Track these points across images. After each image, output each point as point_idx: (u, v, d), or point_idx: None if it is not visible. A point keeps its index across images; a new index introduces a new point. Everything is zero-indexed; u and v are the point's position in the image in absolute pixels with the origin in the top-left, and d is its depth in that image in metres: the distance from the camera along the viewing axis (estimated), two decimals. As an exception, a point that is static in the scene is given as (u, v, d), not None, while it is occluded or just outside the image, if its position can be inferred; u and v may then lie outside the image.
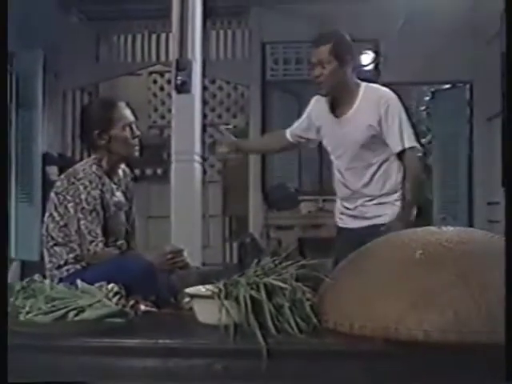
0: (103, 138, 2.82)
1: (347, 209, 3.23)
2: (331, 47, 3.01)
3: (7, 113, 1.94)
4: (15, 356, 1.73)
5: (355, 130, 3.06)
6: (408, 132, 3.05)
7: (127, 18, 8.06)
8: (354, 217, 3.20)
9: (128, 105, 2.95)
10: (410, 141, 3.04)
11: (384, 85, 5.82)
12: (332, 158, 3.27)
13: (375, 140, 3.06)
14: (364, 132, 3.05)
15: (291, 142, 3.43)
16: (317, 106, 3.27)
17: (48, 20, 7.40)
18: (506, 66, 1.74)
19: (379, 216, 3.09)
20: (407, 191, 3.06)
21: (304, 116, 3.36)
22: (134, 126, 2.89)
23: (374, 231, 2.82)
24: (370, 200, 3.13)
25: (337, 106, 3.15)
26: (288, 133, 3.44)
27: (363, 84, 3.14)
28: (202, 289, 1.94)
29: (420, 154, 3.21)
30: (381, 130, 3.03)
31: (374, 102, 3.05)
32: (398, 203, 3.09)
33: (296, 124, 3.41)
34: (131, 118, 2.90)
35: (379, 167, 3.11)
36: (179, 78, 5.44)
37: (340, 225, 3.31)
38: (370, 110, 3.04)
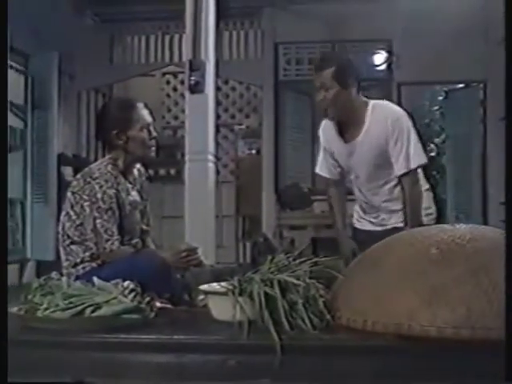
0: (121, 139, 2.84)
1: (368, 216, 3.24)
2: (333, 71, 2.95)
3: (7, 113, 1.96)
4: (32, 351, 1.77)
5: (367, 153, 3.04)
6: (415, 151, 3.01)
7: (141, 19, 8.12)
8: (374, 223, 3.20)
9: (146, 106, 2.97)
10: (414, 162, 3.01)
11: (398, 84, 5.79)
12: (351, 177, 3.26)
13: (388, 158, 3.04)
14: (376, 154, 3.03)
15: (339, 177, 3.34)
16: (325, 132, 3.23)
17: (63, 23, 7.46)
18: (506, 66, 1.75)
19: (400, 222, 3.10)
20: (408, 217, 3.04)
21: (321, 151, 3.32)
22: (151, 128, 2.91)
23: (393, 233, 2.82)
24: (392, 212, 3.13)
25: (345, 131, 3.11)
26: (330, 176, 3.33)
27: (371, 103, 3.08)
28: (216, 286, 1.96)
29: (418, 177, 3.13)
30: (388, 150, 3.02)
31: (382, 122, 3.01)
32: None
33: (323, 163, 3.33)
34: (149, 119, 2.91)
35: (398, 183, 3.09)
36: (193, 78, 5.46)
37: (357, 226, 3.31)
38: (379, 130, 3.01)
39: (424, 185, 3.17)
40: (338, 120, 3.09)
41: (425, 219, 3.08)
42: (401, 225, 3.06)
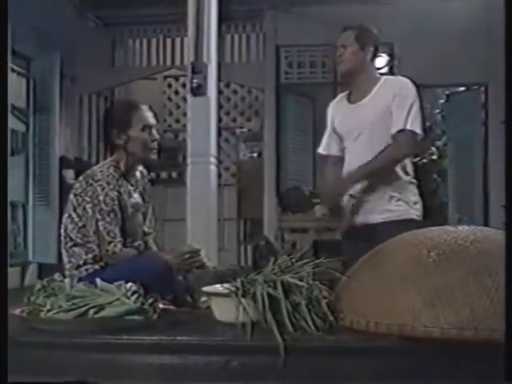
0: (121, 138, 2.85)
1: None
2: (356, 32, 3.17)
3: (7, 113, 1.98)
4: (35, 352, 1.77)
5: (371, 114, 3.09)
6: (415, 119, 3.05)
7: (142, 22, 8.14)
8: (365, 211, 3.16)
9: (151, 108, 2.97)
10: (411, 124, 3.03)
11: None
12: (346, 144, 3.25)
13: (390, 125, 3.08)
14: (379, 115, 3.08)
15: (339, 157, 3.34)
16: (334, 105, 3.36)
17: (65, 26, 7.49)
18: (506, 69, 1.75)
19: (390, 211, 3.07)
20: (371, 161, 3.02)
21: (327, 130, 3.38)
22: (153, 130, 2.90)
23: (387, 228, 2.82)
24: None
25: (353, 92, 3.23)
26: (335, 154, 3.34)
27: (383, 77, 3.26)
28: (219, 287, 1.96)
29: (408, 142, 3.12)
30: (391, 110, 3.07)
31: (392, 87, 3.12)
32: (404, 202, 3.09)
33: (326, 142, 3.37)
34: (151, 120, 2.91)
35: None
36: (195, 80, 5.48)
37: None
38: (387, 93, 3.10)
39: (410, 173, 3.17)
40: (349, 79, 3.23)
41: (412, 211, 3.09)
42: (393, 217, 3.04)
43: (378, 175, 3.07)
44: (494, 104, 7.00)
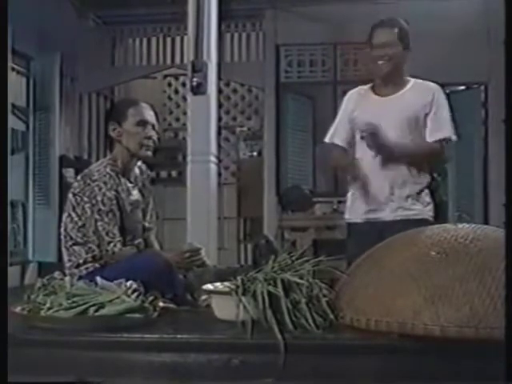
0: (116, 131, 2.85)
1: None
2: (398, 30, 3.09)
3: (7, 113, 1.99)
4: (35, 350, 1.77)
5: (400, 112, 3.06)
6: (449, 124, 3.08)
7: (142, 21, 8.14)
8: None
9: (152, 107, 2.97)
10: (451, 132, 3.07)
11: None
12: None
13: (419, 127, 3.07)
14: (408, 116, 3.06)
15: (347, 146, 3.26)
16: (352, 97, 3.25)
17: (65, 25, 7.49)
18: (505, 68, 1.75)
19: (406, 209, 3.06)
20: (413, 146, 3.07)
21: (338, 118, 3.27)
22: (149, 126, 2.89)
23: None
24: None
25: (384, 87, 3.15)
26: (342, 144, 3.23)
27: (413, 79, 3.19)
28: (219, 285, 1.97)
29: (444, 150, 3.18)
30: (425, 115, 3.06)
31: (424, 90, 3.10)
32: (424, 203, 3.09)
33: (335, 131, 3.25)
34: (149, 117, 2.90)
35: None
36: (195, 79, 5.47)
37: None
38: (419, 96, 3.07)
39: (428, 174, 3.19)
40: (384, 78, 3.14)
41: (426, 211, 3.08)
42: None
43: (412, 163, 3.08)
44: (494, 103, 7.00)
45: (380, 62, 3.08)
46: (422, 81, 3.18)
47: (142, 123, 2.86)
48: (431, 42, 6.74)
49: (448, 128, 3.07)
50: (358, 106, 3.19)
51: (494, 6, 6.24)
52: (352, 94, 3.28)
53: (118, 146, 2.87)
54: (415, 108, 3.06)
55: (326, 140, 3.29)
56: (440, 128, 3.05)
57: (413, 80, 3.17)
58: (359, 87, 3.28)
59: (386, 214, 3.06)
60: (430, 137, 3.07)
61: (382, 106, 3.10)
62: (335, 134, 3.23)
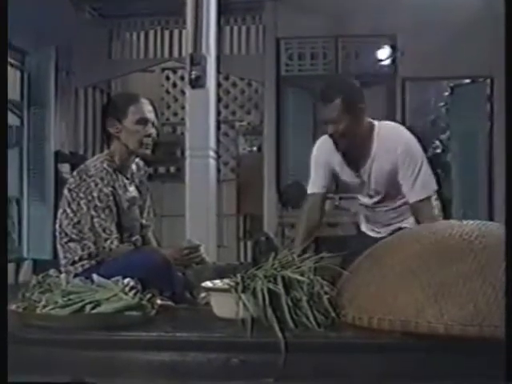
0: (115, 127, 2.84)
1: (372, 226, 3.22)
2: (340, 104, 2.80)
3: (6, 112, 2.00)
4: (30, 349, 1.77)
5: (375, 180, 2.98)
6: (424, 180, 2.91)
7: (140, 14, 8.11)
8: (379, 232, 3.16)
9: (152, 103, 2.95)
10: (424, 191, 2.90)
11: (402, 80, 5.69)
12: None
13: (398, 183, 2.96)
14: (384, 182, 2.97)
15: (325, 194, 3.18)
16: (323, 151, 3.09)
17: (60, 17, 7.46)
18: (505, 67, 1.75)
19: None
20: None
21: (315, 164, 3.14)
22: (149, 124, 2.87)
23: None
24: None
25: (353, 159, 3.02)
26: (318, 191, 3.14)
27: (377, 125, 2.97)
28: (218, 282, 1.97)
29: (435, 202, 3.02)
30: (398, 177, 2.93)
31: (390, 150, 2.90)
32: None
33: (314, 176, 3.15)
34: (149, 115, 2.88)
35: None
36: (193, 72, 5.47)
37: (363, 230, 3.30)
38: (387, 159, 2.91)
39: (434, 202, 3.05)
40: (347, 149, 2.98)
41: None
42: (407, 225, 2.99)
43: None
44: (500, 97, 6.97)
45: (334, 140, 2.92)
46: (387, 132, 2.96)
47: (143, 121, 2.85)
48: (435, 32, 6.73)
49: (422, 185, 2.90)
50: (335, 165, 3.08)
51: (499, -2, 6.24)
52: (321, 149, 3.10)
53: (116, 142, 2.87)
54: (384, 174, 2.94)
55: (310, 191, 3.17)
56: (414, 188, 2.89)
57: (377, 129, 2.94)
58: (322, 140, 3.09)
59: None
60: (410, 199, 2.92)
61: (355, 180, 3.04)
62: (315, 184, 3.14)
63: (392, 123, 3.16)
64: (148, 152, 2.90)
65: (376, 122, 2.99)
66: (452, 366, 1.67)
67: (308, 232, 3.10)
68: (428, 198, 2.93)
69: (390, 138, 2.94)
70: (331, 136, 2.91)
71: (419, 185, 2.89)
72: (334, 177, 3.14)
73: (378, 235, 3.10)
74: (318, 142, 3.14)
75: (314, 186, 3.14)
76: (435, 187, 2.99)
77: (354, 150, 2.96)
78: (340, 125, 2.83)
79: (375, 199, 3.09)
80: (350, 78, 3.00)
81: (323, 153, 3.09)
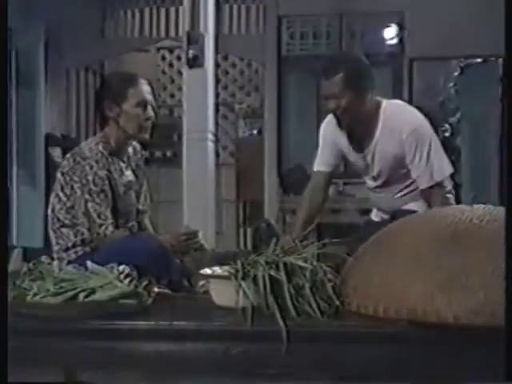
0: (113, 110, 2.83)
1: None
2: (343, 78, 2.81)
3: (6, 112, 2.01)
4: (21, 339, 1.77)
5: (380, 161, 2.97)
6: (435, 164, 2.89)
7: (135, -9, 8.08)
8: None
9: (150, 84, 2.94)
10: (436, 175, 2.89)
11: (410, 60, 5.64)
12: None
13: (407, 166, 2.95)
14: (389, 164, 2.96)
15: (330, 173, 3.20)
16: (330, 131, 3.11)
17: (50, -7, 7.42)
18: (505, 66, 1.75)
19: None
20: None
21: (322, 144, 3.17)
22: (149, 107, 2.87)
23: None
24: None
25: (356, 139, 3.01)
26: (323, 169, 3.17)
27: (383, 103, 2.95)
28: (218, 270, 1.97)
29: (448, 189, 3.03)
30: (405, 162, 2.92)
31: (395, 133, 2.88)
32: None
33: (320, 154, 3.17)
34: (149, 97, 2.87)
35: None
36: (191, 51, 5.46)
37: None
38: (392, 142, 2.90)
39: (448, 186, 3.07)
40: (350, 128, 2.99)
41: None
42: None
43: None
44: (512, 78, 6.95)
45: (335, 116, 2.91)
46: (394, 110, 2.95)
47: (143, 104, 2.84)
48: (444, 12, 6.70)
49: (434, 169, 2.89)
50: (344, 148, 3.09)
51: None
52: (327, 128, 3.12)
53: (112, 124, 2.85)
54: (390, 157, 2.93)
55: (315, 169, 3.19)
56: (425, 172, 2.88)
57: (383, 109, 2.93)
58: (329, 118, 3.08)
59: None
60: (421, 185, 2.92)
61: (362, 161, 3.03)
62: (322, 162, 3.16)
63: (399, 102, 3.17)
64: (147, 137, 2.90)
65: (384, 101, 2.98)
66: (461, 355, 1.67)
67: (309, 214, 3.12)
68: (439, 184, 2.92)
69: (395, 118, 2.92)
70: (333, 112, 2.91)
71: (429, 170, 2.88)
72: (342, 157, 3.15)
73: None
74: (326, 120, 3.15)
75: (320, 163, 3.17)
76: (449, 171, 2.98)
77: (358, 128, 2.96)
78: (342, 100, 2.83)
79: (378, 182, 3.08)
80: (357, 53, 2.94)
81: (330, 131, 3.10)
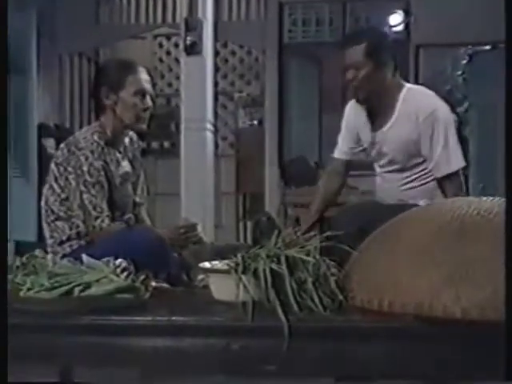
0: (110, 98, 2.83)
1: None
2: (365, 47, 2.88)
3: (6, 112, 2.02)
4: (16, 336, 1.78)
5: (394, 145, 2.98)
6: (456, 152, 2.92)
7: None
8: None
9: (149, 73, 2.94)
10: (455, 164, 2.92)
11: (416, 47, 5.64)
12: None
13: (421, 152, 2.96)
14: (403, 148, 2.97)
15: (348, 161, 3.26)
16: (352, 113, 3.17)
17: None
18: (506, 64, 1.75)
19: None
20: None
21: (343, 129, 3.25)
22: (147, 97, 2.86)
23: None
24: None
25: (373, 117, 3.04)
26: (341, 157, 3.26)
27: (406, 87, 3.00)
28: (217, 263, 1.97)
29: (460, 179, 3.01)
30: (419, 149, 2.93)
31: (411, 116, 2.91)
32: None
33: (341, 142, 3.26)
34: (147, 86, 2.87)
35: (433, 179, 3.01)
36: (189, 38, 5.45)
37: None
38: (408, 125, 2.91)
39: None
40: (368, 104, 3.02)
41: None
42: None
43: None
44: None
45: (352, 87, 2.96)
46: (413, 95, 2.97)
47: (141, 93, 2.84)
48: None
49: (452, 158, 2.91)
50: (360, 129, 3.14)
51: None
52: (351, 112, 3.18)
53: (109, 113, 2.85)
54: (405, 141, 2.94)
55: (336, 155, 3.28)
56: (440, 163, 2.91)
57: (404, 92, 2.96)
58: (352, 103, 3.15)
59: None
60: (436, 173, 2.94)
61: (374, 141, 3.06)
62: (342, 149, 3.25)
63: (421, 88, 3.18)
64: (144, 127, 2.90)
65: (407, 85, 3.03)
66: (470, 349, 1.68)
67: (325, 198, 3.29)
68: (454, 174, 2.93)
69: (414, 101, 2.95)
70: (350, 82, 2.94)
71: (445, 157, 2.90)
72: (358, 140, 3.20)
73: None
74: (348, 105, 3.22)
75: (338, 151, 3.26)
76: (462, 163, 2.97)
77: (376, 104, 3.00)
78: (362, 70, 2.90)
79: (388, 168, 3.10)
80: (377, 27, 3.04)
81: (352, 112, 3.17)
